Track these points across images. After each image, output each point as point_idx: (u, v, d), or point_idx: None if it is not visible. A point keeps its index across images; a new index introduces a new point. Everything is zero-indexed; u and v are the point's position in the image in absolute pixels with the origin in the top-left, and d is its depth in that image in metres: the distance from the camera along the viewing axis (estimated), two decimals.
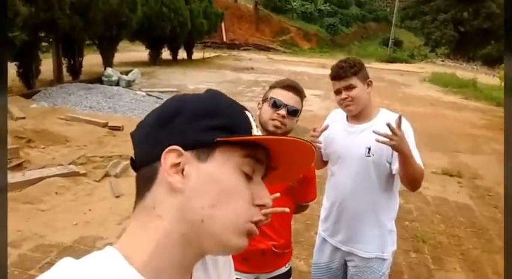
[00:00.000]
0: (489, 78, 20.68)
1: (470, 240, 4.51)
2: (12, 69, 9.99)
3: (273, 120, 1.85)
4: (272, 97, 1.87)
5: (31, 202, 4.42)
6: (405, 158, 1.99)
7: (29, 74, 10.12)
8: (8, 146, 5.56)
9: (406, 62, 31.98)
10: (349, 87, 2.16)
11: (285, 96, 1.87)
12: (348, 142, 2.25)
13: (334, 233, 2.41)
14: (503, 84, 17.46)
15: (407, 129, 2.15)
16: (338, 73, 2.17)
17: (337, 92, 2.21)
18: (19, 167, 5.32)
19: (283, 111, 1.84)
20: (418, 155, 2.12)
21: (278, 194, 1.66)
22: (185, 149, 0.65)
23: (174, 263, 0.65)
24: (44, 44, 11.21)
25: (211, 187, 0.65)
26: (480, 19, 34.52)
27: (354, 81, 2.16)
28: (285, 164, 0.75)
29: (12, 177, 4.78)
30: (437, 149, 7.96)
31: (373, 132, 2.01)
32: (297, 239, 3.95)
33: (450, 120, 11.29)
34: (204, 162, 0.65)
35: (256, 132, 0.72)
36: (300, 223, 4.35)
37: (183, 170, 0.65)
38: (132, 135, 0.72)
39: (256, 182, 0.70)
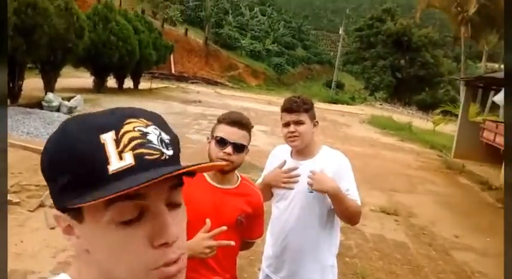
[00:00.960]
0: (423, 123, 22.07)
1: (407, 277, 4.66)
2: None
3: (219, 158, 1.84)
4: (217, 136, 1.87)
5: None
6: (331, 196, 2.12)
7: None
8: None
9: (347, 104, 33.46)
10: (298, 122, 2.22)
11: (230, 133, 1.85)
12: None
13: (277, 269, 2.40)
14: (436, 128, 18.72)
15: (345, 165, 2.26)
16: (291, 106, 2.23)
17: (286, 124, 2.26)
18: None
19: (229, 149, 1.83)
20: (355, 190, 2.22)
21: (225, 228, 1.66)
22: (63, 212, 0.60)
23: None
24: None
25: (99, 246, 0.59)
26: (415, 67, 37.19)
27: (304, 117, 2.23)
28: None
29: None
30: (375, 187, 8.27)
31: (310, 173, 2.13)
32: (240, 274, 3.87)
33: (388, 161, 11.82)
34: (82, 223, 0.59)
35: (118, 163, 0.55)
36: (244, 258, 4.31)
37: (71, 230, 0.62)
38: None
39: (152, 215, 0.59)
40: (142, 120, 0.60)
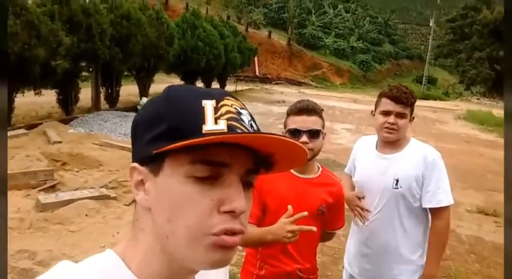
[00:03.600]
0: None
1: None
2: (52, 95, 10.44)
3: None
4: (289, 129, 1.87)
5: (62, 223, 4.50)
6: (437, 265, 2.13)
7: (68, 101, 10.54)
8: (43, 168, 5.74)
9: (440, 99, 31.54)
10: (401, 115, 2.11)
11: (300, 122, 1.85)
12: (376, 172, 2.20)
13: (360, 268, 2.32)
14: None
15: (436, 160, 2.12)
16: (400, 97, 2.09)
17: (387, 113, 2.12)
18: (53, 188, 5.46)
19: (304, 138, 1.82)
20: (445, 189, 2.09)
21: (306, 213, 1.65)
22: (142, 165, 0.63)
23: (163, 274, 0.64)
24: (84, 73, 11.69)
25: (165, 201, 0.61)
26: None
27: (408, 111, 2.12)
28: (277, 154, 0.64)
29: (45, 198, 4.90)
30: (472, 187, 7.69)
31: (396, 169, 2.06)
32: (324, 272, 3.85)
33: (486, 158, 10.94)
34: (157, 176, 0.61)
35: (213, 125, 0.59)
36: (327, 255, 4.24)
37: (142, 184, 0.64)
38: None
39: (227, 184, 0.61)
40: (240, 102, 0.65)
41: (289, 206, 1.65)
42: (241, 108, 0.64)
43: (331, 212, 1.98)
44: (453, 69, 41.67)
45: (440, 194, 2.09)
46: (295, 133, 1.84)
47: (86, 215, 4.74)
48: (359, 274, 2.32)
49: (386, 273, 2.22)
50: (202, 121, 0.59)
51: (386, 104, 2.13)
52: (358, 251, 2.32)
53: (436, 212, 2.12)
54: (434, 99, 31.40)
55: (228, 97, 0.63)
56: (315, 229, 1.66)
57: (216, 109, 0.60)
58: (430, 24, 38.69)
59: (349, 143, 10.14)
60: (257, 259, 1.93)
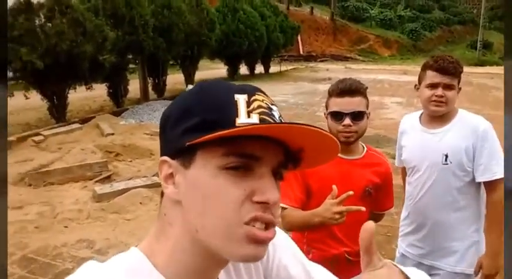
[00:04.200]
0: None
1: None
2: (102, 89, 10.82)
3: (340, 132, 1.77)
4: (330, 111, 1.80)
5: (118, 212, 4.68)
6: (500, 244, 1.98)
7: (118, 93, 10.89)
8: (98, 160, 5.98)
9: (498, 65, 29.76)
10: (449, 87, 1.99)
11: (343, 104, 1.76)
12: (424, 148, 2.11)
13: (414, 246, 2.26)
14: None
15: (487, 132, 2.00)
16: (447, 68, 1.98)
17: (434, 86, 2.01)
18: (108, 179, 5.69)
19: (347, 121, 1.75)
20: (498, 163, 1.97)
21: (351, 192, 1.58)
22: (173, 158, 0.64)
23: (190, 268, 0.65)
24: (131, 65, 12.01)
25: (196, 194, 0.61)
26: None
27: (455, 82, 2.01)
28: (307, 149, 0.64)
29: (101, 188, 5.12)
30: None
31: (446, 143, 1.96)
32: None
33: None
34: (188, 169, 0.62)
35: (246, 118, 0.60)
36: (380, 235, 4.15)
37: (172, 177, 0.65)
38: None
39: (259, 176, 0.61)
40: (270, 98, 0.67)
41: (334, 187, 1.60)
42: (271, 104, 0.65)
43: (379, 193, 1.91)
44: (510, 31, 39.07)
45: (494, 166, 1.97)
46: (338, 115, 1.77)
47: (140, 203, 4.90)
48: (412, 253, 2.26)
49: (440, 251, 2.15)
50: (235, 114, 0.60)
51: (433, 76, 2.01)
52: (411, 229, 2.27)
53: (490, 185, 2.02)
54: (491, 64, 29.72)
55: (259, 93, 0.65)
56: (363, 208, 1.60)
57: (249, 104, 0.62)
58: None
59: (401, 117, 9.80)
60: (304, 243, 1.89)
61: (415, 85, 2.15)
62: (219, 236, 0.60)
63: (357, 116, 1.77)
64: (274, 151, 0.62)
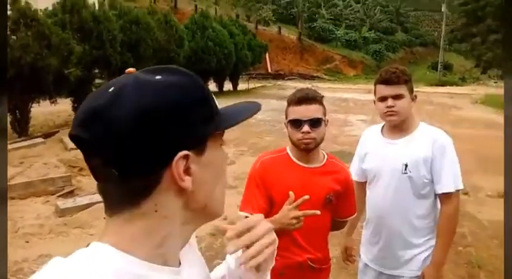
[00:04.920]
0: None
1: None
2: (67, 104, 10.60)
3: (300, 140, 1.82)
4: (290, 120, 1.85)
5: (81, 227, 4.57)
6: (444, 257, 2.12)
7: None
8: (61, 175, 5.84)
9: (457, 85, 31.02)
10: (398, 96, 2.04)
11: (301, 111, 1.82)
12: (384, 157, 2.16)
13: (372, 255, 2.29)
14: None
15: (446, 145, 2.08)
16: (390, 78, 2.04)
17: (383, 99, 2.08)
18: (71, 194, 5.55)
19: (306, 127, 1.80)
20: (455, 175, 2.05)
21: (307, 197, 1.63)
22: (189, 149, 0.65)
23: (178, 245, 0.71)
24: (97, 80, 11.85)
25: (209, 174, 0.70)
26: None
27: (403, 90, 2.05)
28: None
29: (64, 203, 4.99)
30: (493, 171, 7.53)
31: (405, 153, 2.01)
32: (342, 264, 3.82)
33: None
34: (202, 155, 0.68)
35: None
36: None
37: (189, 169, 0.66)
38: (102, 138, 0.61)
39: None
40: None
41: (291, 193, 1.64)
42: None
43: (340, 200, 1.95)
44: (469, 54, 40.87)
45: (448, 179, 2.04)
46: (296, 123, 1.82)
47: (104, 218, 4.79)
48: (372, 261, 2.30)
49: (397, 259, 2.19)
50: (213, 100, 0.71)
51: (380, 89, 2.09)
52: (370, 238, 2.31)
53: (444, 197, 2.08)
54: (451, 85, 30.91)
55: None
56: (318, 212, 1.65)
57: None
58: (442, 10, 37.99)
59: None
60: None
61: (374, 101, 2.21)
62: (222, 198, 0.74)
63: (315, 123, 1.82)
64: None
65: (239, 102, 0.81)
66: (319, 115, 1.83)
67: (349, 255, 2.43)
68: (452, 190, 2.05)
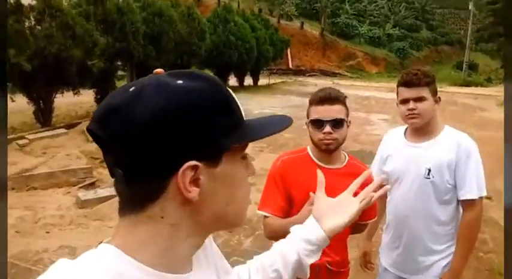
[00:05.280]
0: None
1: None
2: (90, 95, 10.74)
3: (321, 140, 1.80)
4: (312, 119, 1.82)
5: (101, 219, 4.63)
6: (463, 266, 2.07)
7: None
8: (82, 166, 5.92)
9: (482, 86, 30.35)
10: (419, 99, 2.01)
11: (323, 111, 1.79)
12: (407, 161, 2.12)
13: (392, 259, 2.27)
14: None
15: (471, 150, 2.03)
16: (411, 80, 2.01)
17: (404, 101, 2.05)
18: (92, 185, 5.63)
19: (327, 128, 1.77)
20: (479, 181, 2.00)
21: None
22: (199, 160, 0.62)
23: (188, 252, 0.70)
24: (119, 72, 11.97)
25: (222, 187, 0.67)
26: None
27: (426, 92, 2.02)
28: None
29: (85, 195, 5.06)
30: None
31: (429, 157, 1.97)
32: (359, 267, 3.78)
33: None
34: (216, 167, 0.65)
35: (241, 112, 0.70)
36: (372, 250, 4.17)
37: (197, 180, 0.63)
38: (115, 136, 0.61)
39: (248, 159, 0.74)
40: None
41: (312, 193, 1.62)
42: None
43: None
44: (495, 54, 39.99)
45: (472, 185, 1.99)
46: (318, 123, 1.80)
47: None
48: (391, 266, 2.28)
49: (416, 265, 2.16)
50: (241, 111, 0.69)
51: (402, 92, 2.07)
52: (390, 242, 2.28)
53: (467, 204, 2.04)
54: (476, 85, 30.26)
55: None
56: None
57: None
58: (469, 8, 37.16)
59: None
60: None
61: (396, 103, 2.18)
62: (244, 210, 0.73)
63: (337, 123, 1.79)
64: None
65: (272, 114, 0.78)
66: (342, 116, 1.80)
67: (368, 261, 2.39)
68: (475, 197, 2.00)
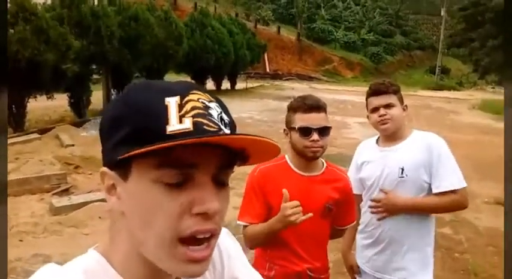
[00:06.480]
0: None
1: None
2: (64, 99, 10.54)
3: (308, 148, 1.80)
4: (299, 126, 1.81)
5: (76, 226, 4.53)
6: (410, 210, 2.08)
7: (79, 104, 10.64)
8: (56, 172, 5.79)
9: (454, 90, 31.14)
10: (389, 105, 2.09)
11: (311, 119, 1.79)
12: (381, 164, 2.17)
13: (372, 262, 2.28)
14: None
15: (440, 146, 2.09)
16: (379, 88, 2.10)
17: (375, 110, 2.12)
18: (66, 192, 5.50)
19: (315, 136, 1.78)
20: (455, 174, 2.04)
21: (311, 214, 1.62)
22: (111, 169, 0.60)
23: (145, 274, 0.63)
24: (94, 76, 11.78)
25: (135, 208, 0.59)
26: None
27: (393, 99, 2.10)
28: (249, 149, 0.60)
29: (59, 201, 4.95)
30: (489, 178, 7.53)
31: (400, 159, 2.04)
32: (340, 269, 3.79)
33: (503, 148, 10.75)
34: (126, 181, 0.59)
35: (178, 125, 0.56)
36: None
37: (114, 188, 0.61)
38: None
39: (197, 185, 0.58)
40: (207, 95, 0.61)
41: (284, 191, 1.66)
42: (209, 101, 0.60)
43: (340, 208, 1.93)
44: (466, 59, 41.03)
45: (453, 179, 2.03)
46: (306, 131, 1.79)
47: (100, 217, 4.76)
48: (369, 267, 2.29)
49: (394, 265, 2.18)
50: (166, 121, 0.55)
51: (372, 101, 2.14)
52: (366, 244, 2.29)
53: (450, 192, 2.04)
54: (448, 89, 31.04)
55: (194, 91, 0.60)
56: (311, 214, 1.66)
57: (181, 106, 0.57)
58: (442, 14, 38.18)
59: (363, 137, 10.03)
60: (266, 260, 1.89)
61: (367, 115, 2.24)
62: (158, 254, 0.58)
63: (324, 131, 1.80)
64: (213, 155, 0.58)
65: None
66: (328, 124, 1.83)
67: (356, 272, 2.39)
68: (458, 187, 2.04)
